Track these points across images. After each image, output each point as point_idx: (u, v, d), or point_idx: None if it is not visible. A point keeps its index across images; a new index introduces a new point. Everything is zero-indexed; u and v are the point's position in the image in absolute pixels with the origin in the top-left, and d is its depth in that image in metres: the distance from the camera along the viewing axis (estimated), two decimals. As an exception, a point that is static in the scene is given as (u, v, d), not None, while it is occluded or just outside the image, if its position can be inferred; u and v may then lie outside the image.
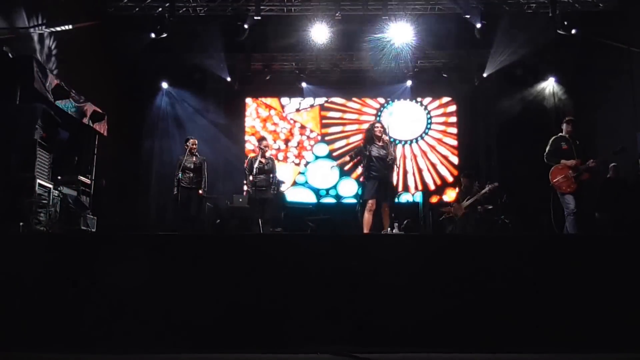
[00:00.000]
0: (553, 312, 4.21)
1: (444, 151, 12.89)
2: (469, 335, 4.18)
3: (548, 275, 4.35)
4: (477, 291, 4.31)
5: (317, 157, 13.10)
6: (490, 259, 4.48)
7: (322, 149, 13.12)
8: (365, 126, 11.59)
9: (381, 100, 13.17)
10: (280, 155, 12.94)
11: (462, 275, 4.38)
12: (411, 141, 12.93)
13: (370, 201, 7.13)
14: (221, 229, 10.01)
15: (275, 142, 12.97)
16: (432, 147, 12.93)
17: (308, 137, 13.17)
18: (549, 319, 4.20)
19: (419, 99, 13.03)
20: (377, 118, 12.74)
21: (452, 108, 12.97)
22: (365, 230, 7.00)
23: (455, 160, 12.82)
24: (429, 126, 12.97)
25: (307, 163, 13.05)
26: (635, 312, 4.14)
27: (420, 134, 12.94)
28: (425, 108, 13.04)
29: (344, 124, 13.13)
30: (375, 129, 7.31)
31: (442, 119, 13.01)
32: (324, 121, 13.17)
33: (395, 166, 7.36)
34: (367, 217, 7.06)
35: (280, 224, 9.49)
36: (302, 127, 13.18)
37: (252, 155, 9.50)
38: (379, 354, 3.99)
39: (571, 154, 7.29)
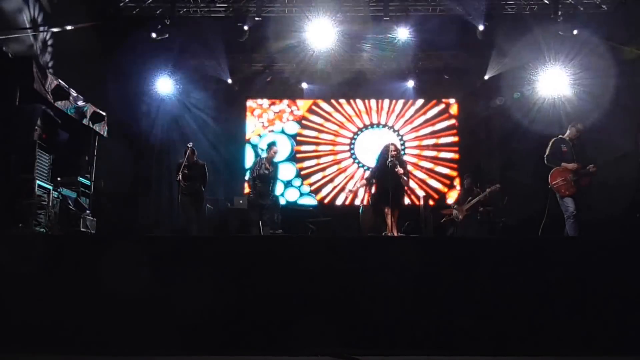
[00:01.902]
0: (554, 314, 4.21)
1: (428, 164, 12.78)
2: (469, 337, 4.17)
3: (549, 277, 4.34)
4: (478, 293, 4.31)
5: (282, 132, 12.99)
6: (491, 261, 4.47)
7: (292, 129, 12.98)
8: (344, 132, 12.77)
9: (374, 123, 13.10)
10: (257, 112, 13.01)
11: (463, 278, 4.37)
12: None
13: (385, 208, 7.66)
14: (221, 230, 9.99)
15: (262, 99, 12.97)
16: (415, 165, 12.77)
17: (291, 112, 13.06)
18: (549, 321, 4.19)
19: (391, 125, 12.95)
20: (353, 143, 12.88)
21: (454, 110, 12.93)
22: (395, 233, 7.61)
23: (442, 169, 12.73)
24: (402, 153, 12.78)
25: (271, 131, 12.92)
26: (635, 314, 4.13)
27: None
28: (399, 134, 12.91)
29: (327, 120, 13.04)
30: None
31: (443, 122, 12.92)
32: (313, 107, 13.05)
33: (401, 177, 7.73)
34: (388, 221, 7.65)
35: (280, 226, 9.48)
36: (293, 100, 13.10)
37: (255, 160, 9.54)
38: (379, 356, 3.98)
39: (571, 157, 7.27)
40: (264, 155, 9.23)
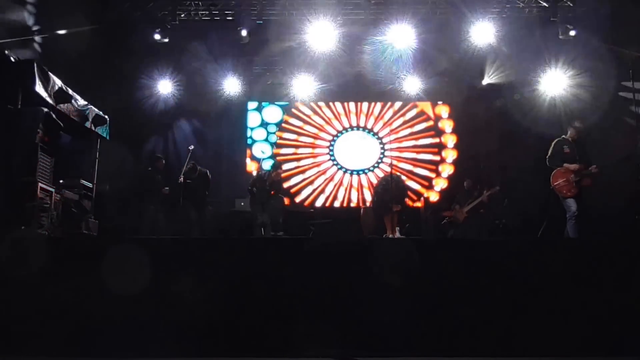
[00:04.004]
0: (554, 315, 4.22)
1: (408, 166, 12.80)
2: (469, 338, 4.19)
3: (549, 278, 4.36)
4: (478, 294, 4.32)
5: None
6: (491, 262, 4.49)
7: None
8: (323, 135, 12.91)
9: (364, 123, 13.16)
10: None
11: (463, 279, 4.39)
12: (364, 170, 12.89)
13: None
14: (222, 233, 10.02)
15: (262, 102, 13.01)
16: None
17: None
18: (550, 321, 4.21)
19: (369, 128, 13.06)
20: (332, 145, 12.94)
21: (454, 111, 12.98)
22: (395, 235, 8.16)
23: (421, 171, 12.79)
24: (382, 156, 12.88)
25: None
26: (635, 316, 4.15)
27: (373, 164, 12.90)
28: (378, 137, 13.01)
29: (306, 123, 13.11)
30: None
31: (421, 123, 13.00)
32: (293, 110, 13.11)
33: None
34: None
35: (282, 228, 9.51)
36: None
37: (261, 172, 9.66)
38: (379, 357, 4.00)
39: (573, 157, 7.26)
40: (265, 169, 9.46)
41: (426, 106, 12.95)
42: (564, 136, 7.51)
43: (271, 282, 4.37)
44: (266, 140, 12.92)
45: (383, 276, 4.36)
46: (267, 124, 12.94)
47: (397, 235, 8.05)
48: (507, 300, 4.32)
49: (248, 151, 12.80)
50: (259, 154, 12.70)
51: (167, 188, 9.30)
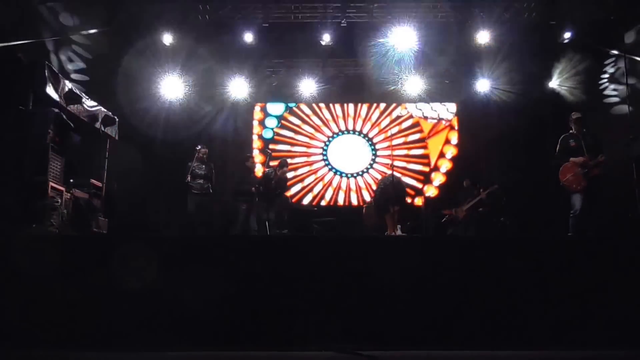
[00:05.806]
0: (551, 311, 4.31)
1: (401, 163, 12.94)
2: (468, 332, 4.28)
3: (546, 275, 4.45)
4: (477, 290, 4.42)
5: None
6: (489, 259, 4.58)
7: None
8: (319, 135, 13.04)
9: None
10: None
11: (463, 275, 4.48)
12: (358, 173, 13.05)
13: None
14: (229, 230, 10.16)
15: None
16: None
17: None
18: (547, 317, 4.29)
19: (362, 132, 13.25)
20: (325, 151, 13.13)
21: (453, 112, 13.12)
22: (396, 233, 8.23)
23: (415, 166, 12.96)
24: (374, 158, 13.09)
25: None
26: (631, 310, 4.23)
27: (365, 167, 13.10)
28: (369, 139, 13.17)
29: (304, 122, 13.31)
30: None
31: (408, 120, 13.19)
32: (295, 108, 13.36)
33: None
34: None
35: (286, 225, 9.64)
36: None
37: (268, 170, 9.76)
38: (381, 351, 4.09)
39: (580, 150, 7.22)
40: (270, 166, 9.56)
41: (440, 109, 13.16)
42: (570, 131, 7.49)
43: (275, 277, 4.47)
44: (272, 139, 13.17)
45: (384, 272, 4.45)
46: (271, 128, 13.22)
47: (399, 233, 8.15)
48: (506, 295, 4.40)
49: (260, 142, 13.04)
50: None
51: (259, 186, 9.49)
